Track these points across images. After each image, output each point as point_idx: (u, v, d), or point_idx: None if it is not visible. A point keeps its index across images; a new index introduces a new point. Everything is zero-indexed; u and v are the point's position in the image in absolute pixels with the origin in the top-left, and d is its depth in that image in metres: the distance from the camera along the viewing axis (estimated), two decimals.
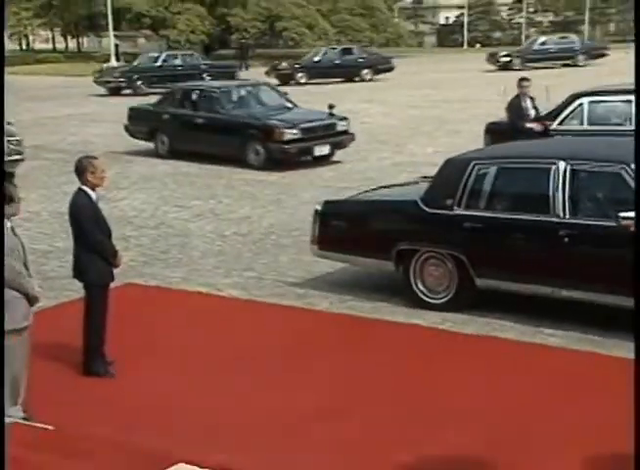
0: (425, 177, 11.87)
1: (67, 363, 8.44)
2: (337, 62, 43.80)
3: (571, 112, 15.27)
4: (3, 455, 5.33)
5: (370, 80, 42.55)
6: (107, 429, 7.08)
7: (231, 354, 8.86)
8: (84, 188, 8.14)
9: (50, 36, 78.36)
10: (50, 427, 7.10)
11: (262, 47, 64.81)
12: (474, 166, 9.63)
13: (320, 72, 42.64)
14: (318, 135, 19.99)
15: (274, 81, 40.23)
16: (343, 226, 10.70)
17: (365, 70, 42.12)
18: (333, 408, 7.53)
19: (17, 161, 17.70)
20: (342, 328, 9.68)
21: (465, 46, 76.02)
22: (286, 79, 42.37)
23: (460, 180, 9.62)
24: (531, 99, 15.82)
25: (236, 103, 21.09)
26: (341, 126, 20.39)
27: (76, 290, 8.72)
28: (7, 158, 16.81)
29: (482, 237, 9.53)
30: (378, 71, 41.85)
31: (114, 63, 54.93)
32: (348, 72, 41.61)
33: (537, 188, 9.24)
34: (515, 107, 15.65)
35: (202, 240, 13.55)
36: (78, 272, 8.34)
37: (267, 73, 43.82)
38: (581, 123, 15.02)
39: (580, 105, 15.22)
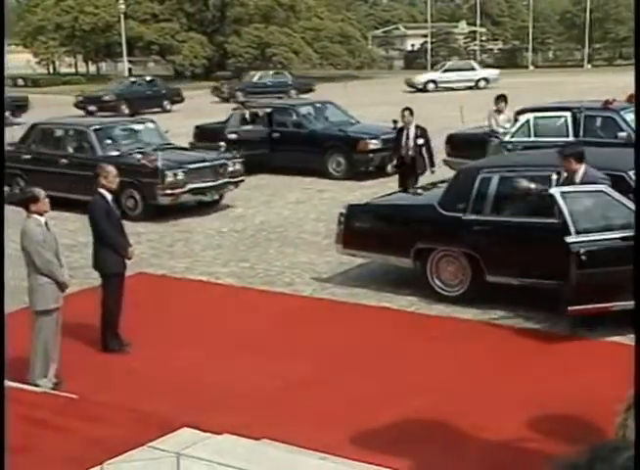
0: (433, 184, 11.74)
1: (88, 341, 8.41)
2: (148, 93, 39.57)
3: (521, 126, 15.11)
4: (3, 429, 5.28)
5: (169, 110, 38.27)
6: (122, 397, 7.07)
7: (229, 333, 8.84)
8: (101, 191, 8.22)
9: (73, 62, 77.91)
10: (74, 396, 7.08)
11: (255, 70, 64.68)
12: (483, 174, 9.37)
13: (140, 103, 37.56)
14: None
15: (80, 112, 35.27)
16: (366, 227, 10.35)
17: (165, 101, 38.56)
18: (315, 378, 7.54)
19: (239, 182, 15.56)
20: (324, 311, 9.66)
21: (429, 69, 76.12)
22: (109, 110, 35.15)
23: (472, 187, 9.36)
24: (418, 128, 14.24)
25: (309, 118, 19.28)
26: None
27: (96, 278, 8.69)
28: (234, 179, 15.25)
29: (491, 237, 9.26)
30: (174, 102, 38.68)
31: None
32: (155, 103, 37.43)
33: (540, 193, 8.79)
34: (396, 138, 14.57)
35: None
36: (95, 263, 8.41)
37: (77, 105, 37.03)
38: (529, 136, 14.89)
39: (527, 120, 15.09)
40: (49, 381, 7.38)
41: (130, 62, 62.33)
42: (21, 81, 55.63)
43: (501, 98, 15.32)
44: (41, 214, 7.36)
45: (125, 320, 8.36)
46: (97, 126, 15.52)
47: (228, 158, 15.31)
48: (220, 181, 14.90)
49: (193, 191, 14.44)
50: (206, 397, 7.15)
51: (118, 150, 14.98)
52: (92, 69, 77.64)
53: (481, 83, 47.91)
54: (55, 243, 7.45)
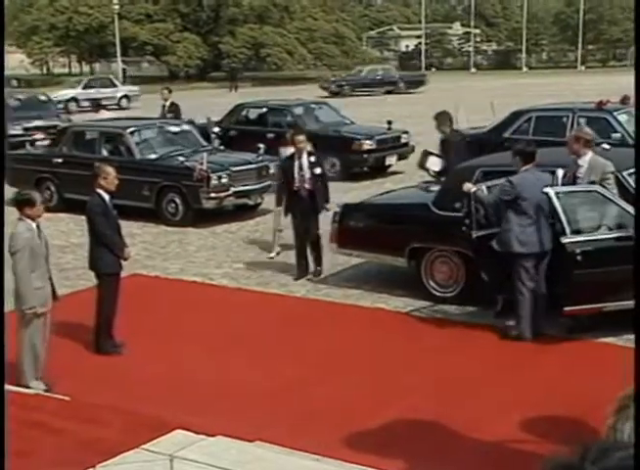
0: (426, 183, 11.67)
1: (80, 343, 8.38)
2: None
3: (520, 125, 15.09)
4: (3, 430, 5.26)
5: None
6: (115, 399, 7.04)
7: (223, 334, 8.82)
8: (98, 191, 8.17)
9: (67, 62, 77.90)
10: (67, 397, 7.06)
11: (249, 71, 64.55)
12: (480, 173, 9.34)
13: None
14: (388, 146, 18.33)
15: None
16: (360, 226, 10.31)
17: None
18: (309, 379, 7.53)
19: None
20: (318, 312, 9.64)
21: (423, 70, 76.17)
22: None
23: None
24: (310, 155, 10.78)
25: (303, 119, 18.98)
26: (404, 139, 18.79)
27: (89, 279, 8.67)
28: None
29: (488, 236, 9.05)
30: None
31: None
32: None
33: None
34: (287, 167, 10.93)
35: None
36: (92, 263, 8.36)
37: None
38: (527, 134, 14.83)
39: (529, 119, 15.09)
40: (41, 382, 7.34)
41: (124, 62, 62.25)
42: (14, 82, 55.47)
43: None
44: (34, 219, 7.26)
45: (119, 322, 8.33)
46: (133, 128, 14.90)
47: (270, 160, 14.62)
48: (263, 184, 14.33)
49: (237, 194, 14.00)
50: (200, 398, 7.13)
51: (156, 153, 14.44)
52: (86, 69, 77.62)
53: (124, 101, 41.92)
54: (45, 248, 7.36)
